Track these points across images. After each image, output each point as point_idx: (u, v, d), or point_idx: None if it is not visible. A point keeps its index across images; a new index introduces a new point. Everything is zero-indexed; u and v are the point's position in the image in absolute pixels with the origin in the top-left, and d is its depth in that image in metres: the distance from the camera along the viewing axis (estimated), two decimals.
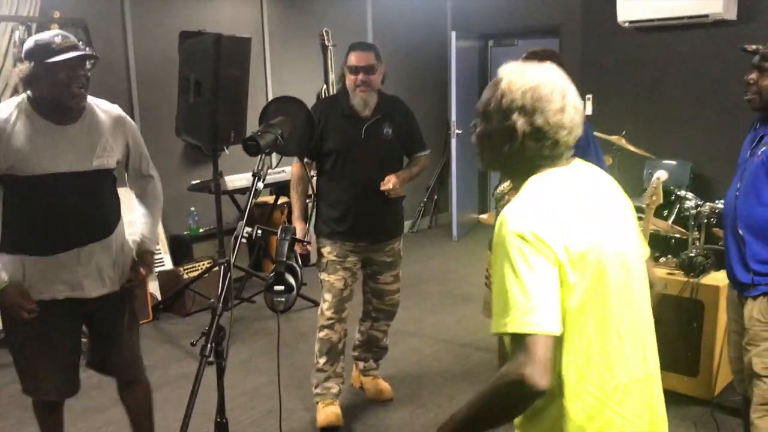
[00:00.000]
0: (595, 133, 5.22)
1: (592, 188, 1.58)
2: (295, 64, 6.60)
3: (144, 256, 2.76)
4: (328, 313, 3.45)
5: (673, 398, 3.60)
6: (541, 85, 1.51)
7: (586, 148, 3.28)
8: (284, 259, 1.79)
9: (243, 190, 5.41)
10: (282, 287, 1.79)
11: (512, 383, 1.38)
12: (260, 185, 1.80)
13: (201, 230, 5.76)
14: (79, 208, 2.51)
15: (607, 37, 6.86)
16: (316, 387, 3.52)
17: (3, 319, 2.62)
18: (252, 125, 3.64)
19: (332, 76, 6.84)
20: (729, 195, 2.65)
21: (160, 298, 5.23)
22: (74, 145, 2.47)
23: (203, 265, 5.33)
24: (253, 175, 1.78)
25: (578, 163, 1.62)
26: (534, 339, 1.37)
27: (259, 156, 1.78)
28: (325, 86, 6.84)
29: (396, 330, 4.42)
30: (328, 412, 3.45)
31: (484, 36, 7.98)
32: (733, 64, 2.59)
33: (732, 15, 5.93)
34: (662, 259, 4.06)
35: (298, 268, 1.84)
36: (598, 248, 1.47)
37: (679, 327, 3.66)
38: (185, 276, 5.18)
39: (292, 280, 1.80)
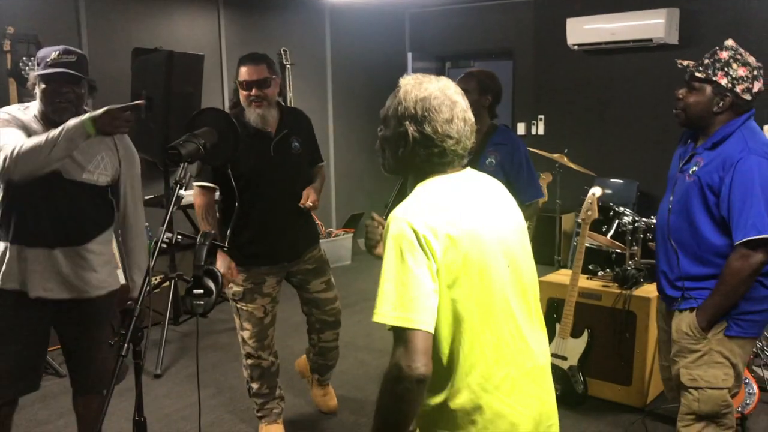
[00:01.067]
0: (536, 151, 5.42)
1: (481, 194, 1.70)
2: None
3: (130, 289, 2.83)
4: (251, 342, 3.32)
5: (606, 406, 3.75)
6: (431, 96, 1.63)
7: (519, 166, 3.40)
8: (202, 263, 1.87)
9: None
10: (201, 291, 1.86)
11: (393, 378, 1.50)
12: (182, 192, 1.88)
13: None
14: (56, 211, 2.58)
15: (557, 60, 7.08)
16: (258, 411, 3.46)
17: None
18: None
19: (290, 94, 6.93)
20: (662, 209, 2.70)
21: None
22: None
23: (155, 279, 5.35)
24: (174, 183, 1.85)
25: (470, 171, 1.74)
26: (411, 332, 1.49)
27: (182, 165, 1.85)
28: (283, 104, 6.91)
29: (345, 343, 4.48)
30: (271, 430, 3.43)
31: (440, 57, 8.16)
32: (676, 86, 2.67)
33: (674, 40, 6.18)
34: (600, 273, 4.20)
35: (218, 273, 1.91)
36: (481, 248, 1.59)
37: (613, 337, 3.79)
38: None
39: (211, 284, 1.88)
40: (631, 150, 6.51)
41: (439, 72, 8.26)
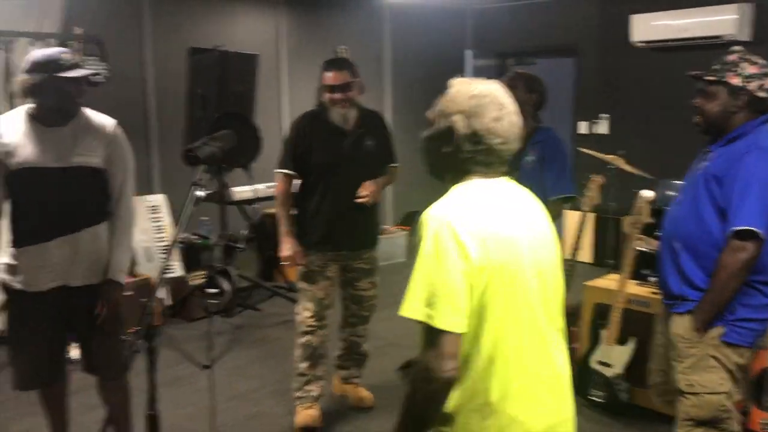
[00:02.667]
0: (589, 152, 5.28)
1: (516, 204, 1.71)
2: (310, 81, 6.74)
3: (108, 290, 2.81)
4: (311, 321, 3.53)
5: (652, 416, 3.63)
6: (482, 95, 1.66)
7: (552, 161, 3.41)
8: (216, 263, 1.91)
9: (250, 201, 5.57)
10: (215, 290, 1.91)
11: (423, 379, 1.53)
12: (200, 194, 1.92)
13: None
14: (54, 201, 2.68)
15: (622, 57, 6.89)
16: (296, 391, 3.61)
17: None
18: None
19: None
20: (671, 207, 2.70)
21: (169, 303, 5.40)
22: (55, 145, 2.68)
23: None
24: (192, 185, 1.91)
25: (507, 181, 1.75)
26: (443, 334, 1.51)
27: (200, 167, 1.90)
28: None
29: (385, 341, 4.50)
30: (306, 413, 3.56)
31: (502, 54, 8.06)
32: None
33: (745, 36, 5.91)
34: (651, 279, 4.06)
35: (232, 273, 1.95)
36: (513, 255, 1.60)
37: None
38: (191, 283, 5.35)
39: (225, 284, 1.92)
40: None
41: (501, 69, 8.16)
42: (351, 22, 7.11)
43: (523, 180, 3.43)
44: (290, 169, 3.51)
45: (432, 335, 1.52)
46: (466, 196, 1.64)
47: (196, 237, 2.23)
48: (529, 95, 3.48)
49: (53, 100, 2.66)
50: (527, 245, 1.64)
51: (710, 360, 2.50)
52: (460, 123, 1.64)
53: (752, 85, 2.45)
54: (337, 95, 3.37)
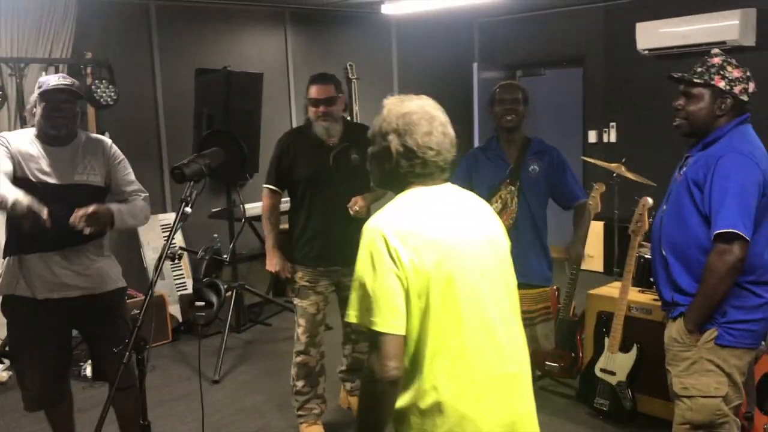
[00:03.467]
0: (591, 161, 5.30)
1: (455, 207, 1.77)
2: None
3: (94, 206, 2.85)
4: (303, 338, 3.54)
5: (656, 424, 3.62)
6: (411, 112, 1.74)
7: (562, 171, 3.45)
8: (202, 277, 1.97)
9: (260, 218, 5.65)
10: (203, 303, 1.97)
11: (368, 380, 1.62)
12: (188, 210, 1.99)
13: (224, 255, 6.01)
14: (56, 216, 2.68)
15: (628, 66, 6.89)
16: (298, 410, 3.63)
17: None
18: (267, 157, 3.90)
19: (356, 108, 7.07)
20: (658, 214, 2.71)
21: (180, 320, 5.49)
22: (59, 164, 2.82)
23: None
24: (180, 201, 1.97)
25: (450, 186, 1.81)
26: (383, 336, 1.59)
27: (187, 183, 1.97)
28: (349, 118, 7.06)
29: None
30: (311, 430, 3.58)
31: (510, 66, 8.08)
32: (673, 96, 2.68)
33: (750, 41, 5.90)
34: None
35: (221, 285, 2.01)
36: (451, 257, 1.65)
37: (663, 352, 3.64)
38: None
39: (213, 297, 1.98)
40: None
41: (510, 80, 8.21)
42: (358, 37, 7.20)
43: (526, 188, 3.49)
44: (273, 184, 3.57)
45: (374, 339, 1.61)
46: (403, 204, 1.73)
47: (192, 252, 2.31)
48: (526, 108, 3.56)
49: (40, 119, 2.78)
50: (469, 246, 1.71)
51: (706, 363, 2.49)
52: (394, 142, 1.73)
53: (737, 89, 2.47)
54: (321, 109, 3.42)
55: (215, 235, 5.97)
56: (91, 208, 2.66)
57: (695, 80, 2.51)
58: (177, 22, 5.92)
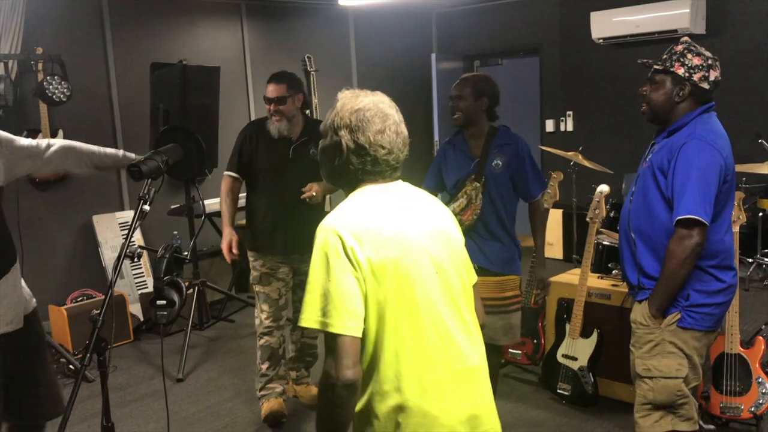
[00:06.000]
0: (550, 149, 5.37)
1: (409, 204, 1.75)
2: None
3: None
4: (267, 322, 3.67)
5: (618, 406, 3.70)
6: (365, 108, 1.71)
7: (522, 163, 3.41)
8: (162, 275, 1.95)
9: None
10: (164, 302, 1.94)
11: (324, 385, 1.58)
12: (146, 208, 1.96)
13: (185, 253, 5.95)
14: None
15: (583, 55, 6.99)
16: (260, 390, 3.75)
17: None
18: (226, 151, 3.85)
19: (315, 101, 7.04)
20: (625, 200, 2.77)
21: (141, 318, 5.41)
22: None
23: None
24: (138, 199, 1.94)
25: (402, 183, 1.80)
26: (339, 338, 1.55)
27: (145, 181, 1.94)
28: (308, 111, 7.02)
29: None
30: (271, 403, 3.71)
31: (468, 56, 8.14)
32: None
33: (701, 29, 6.03)
34: (614, 271, 4.14)
35: (182, 283, 1.99)
36: (405, 254, 1.64)
37: (623, 337, 3.71)
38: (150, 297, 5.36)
39: (174, 295, 1.95)
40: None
41: (468, 70, 8.25)
42: (315, 29, 7.15)
43: (491, 184, 3.48)
44: (235, 172, 3.68)
45: (329, 341, 1.57)
46: (355, 203, 1.70)
47: (151, 251, 2.20)
48: (480, 100, 3.37)
49: None
50: (423, 243, 1.69)
51: (668, 345, 2.55)
52: (345, 137, 1.70)
53: (696, 76, 2.50)
54: (271, 107, 3.55)
55: (175, 233, 5.90)
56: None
57: (656, 66, 2.56)
58: (130, 15, 5.80)
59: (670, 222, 2.48)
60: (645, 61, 2.64)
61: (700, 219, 2.39)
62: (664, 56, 2.55)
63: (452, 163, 3.50)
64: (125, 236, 5.60)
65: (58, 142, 2.53)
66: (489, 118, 3.47)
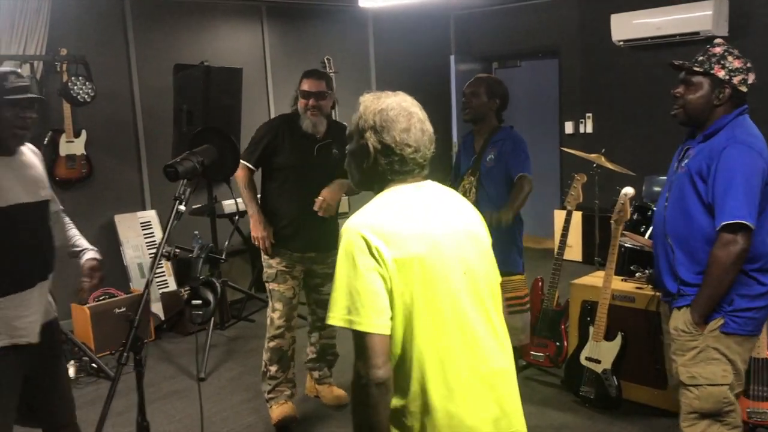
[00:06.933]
0: (571, 151, 5.35)
1: (437, 203, 1.75)
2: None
3: (94, 264, 2.65)
4: (279, 322, 3.63)
5: (641, 410, 3.69)
6: (388, 108, 1.72)
7: (513, 152, 3.54)
8: (199, 275, 1.96)
9: (241, 213, 5.62)
10: (199, 301, 1.96)
11: (356, 385, 1.58)
12: (182, 208, 1.97)
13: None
14: (36, 241, 2.44)
15: (603, 57, 6.97)
16: (269, 393, 3.72)
17: None
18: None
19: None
20: (659, 205, 2.73)
21: (163, 318, 5.45)
22: (22, 177, 2.42)
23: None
24: (174, 199, 1.96)
25: (431, 183, 1.80)
26: (368, 336, 1.55)
27: (180, 181, 1.95)
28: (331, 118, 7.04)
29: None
30: (283, 407, 3.68)
31: (487, 58, 8.13)
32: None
33: (723, 31, 5.99)
34: (638, 274, 4.12)
35: (217, 283, 2.00)
36: (434, 254, 1.63)
37: (647, 340, 3.71)
38: (185, 297, 5.40)
39: (209, 295, 1.97)
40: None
41: (486, 72, 8.24)
42: (334, 31, 7.17)
43: (484, 178, 3.55)
44: (252, 163, 3.61)
45: (358, 340, 1.57)
46: (382, 202, 1.70)
47: (181, 251, 2.20)
48: (492, 100, 3.63)
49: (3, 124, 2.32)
50: (451, 242, 1.68)
51: (712, 352, 2.51)
52: (371, 139, 1.71)
53: (736, 79, 2.48)
54: (311, 101, 3.51)
55: (196, 232, 5.93)
56: (96, 277, 2.55)
57: (695, 68, 2.51)
58: (153, 17, 5.84)
59: (710, 227, 2.45)
60: (681, 62, 2.59)
61: (746, 223, 2.37)
62: (701, 58, 2.52)
63: (462, 158, 3.73)
64: (146, 235, 5.65)
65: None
66: (497, 119, 3.73)
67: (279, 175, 3.62)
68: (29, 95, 2.34)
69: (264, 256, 3.68)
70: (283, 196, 3.62)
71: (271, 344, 3.66)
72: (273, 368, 3.68)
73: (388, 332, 1.58)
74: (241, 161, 3.58)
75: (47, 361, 2.53)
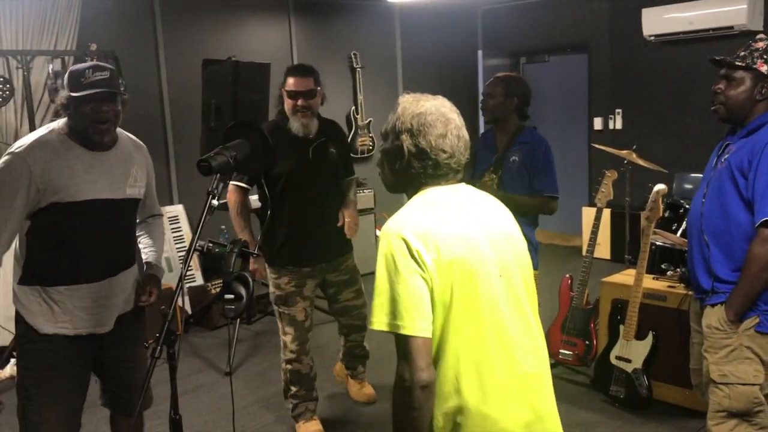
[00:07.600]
0: (602, 147, 5.28)
1: (472, 206, 1.74)
2: (324, 87, 6.81)
3: (152, 279, 2.70)
4: (292, 346, 3.42)
5: (672, 410, 3.63)
6: (427, 112, 1.71)
7: (535, 161, 3.46)
8: (231, 269, 1.96)
9: None
10: (232, 296, 1.96)
11: (399, 388, 1.57)
12: (214, 203, 1.97)
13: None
14: (110, 236, 2.49)
15: (634, 52, 6.87)
16: (293, 410, 3.54)
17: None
18: None
19: (360, 97, 7.04)
20: (695, 202, 2.69)
21: (190, 312, 5.48)
22: (109, 172, 2.46)
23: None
24: (207, 194, 1.96)
25: (465, 186, 1.79)
26: (411, 340, 1.54)
27: (213, 176, 1.95)
28: (354, 107, 7.05)
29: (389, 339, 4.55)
30: (310, 425, 3.52)
31: (514, 53, 8.06)
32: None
33: (758, 26, 5.87)
34: (669, 272, 4.06)
35: (249, 278, 2.00)
36: (471, 257, 1.62)
37: (679, 339, 3.65)
38: (213, 291, 5.43)
39: (242, 290, 1.96)
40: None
41: (514, 68, 8.17)
42: (361, 26, 7.16)
43: (507, 180, 3.51)
44: (243, 181, 3.38)
45: (402, 344, 1.56)
46: (419, 205, 1.69)
47: (214, 245, 2.18)
48: (509, 99, 3.49)
49: (75, 123, 2.38)
50: (487, 245, 1.67)
51: (745, 351, 2.48)
52: (407, 141, 1.70)
53: None
54: (299, 102, 3.26)
55: (222, 227, 5.96)
56: (153, 296, 2.63)
57: (737, 63, 2.48)
58: (181, 12, 5.88)
59: (748, 224, 2.41)
60: (723, 57, 2.55)
61: None
62: (743, 53, 2.48)
63: (479, 155, 3.65)
64: (173, 229, 5.68)
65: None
66: (519, 117, 3.61)
67: (276, 186, 3.31)
68: (102, 90, 2.31)
69: (270, 276, 3.44)
70: (283, 208, 3.32)
71: (288, 367, 3.47)
72: (294, 388, 3.50)
73: (430, 335, 1.58)
74: (232, 182, 3.36)
75: (116, 349, 2.60)
